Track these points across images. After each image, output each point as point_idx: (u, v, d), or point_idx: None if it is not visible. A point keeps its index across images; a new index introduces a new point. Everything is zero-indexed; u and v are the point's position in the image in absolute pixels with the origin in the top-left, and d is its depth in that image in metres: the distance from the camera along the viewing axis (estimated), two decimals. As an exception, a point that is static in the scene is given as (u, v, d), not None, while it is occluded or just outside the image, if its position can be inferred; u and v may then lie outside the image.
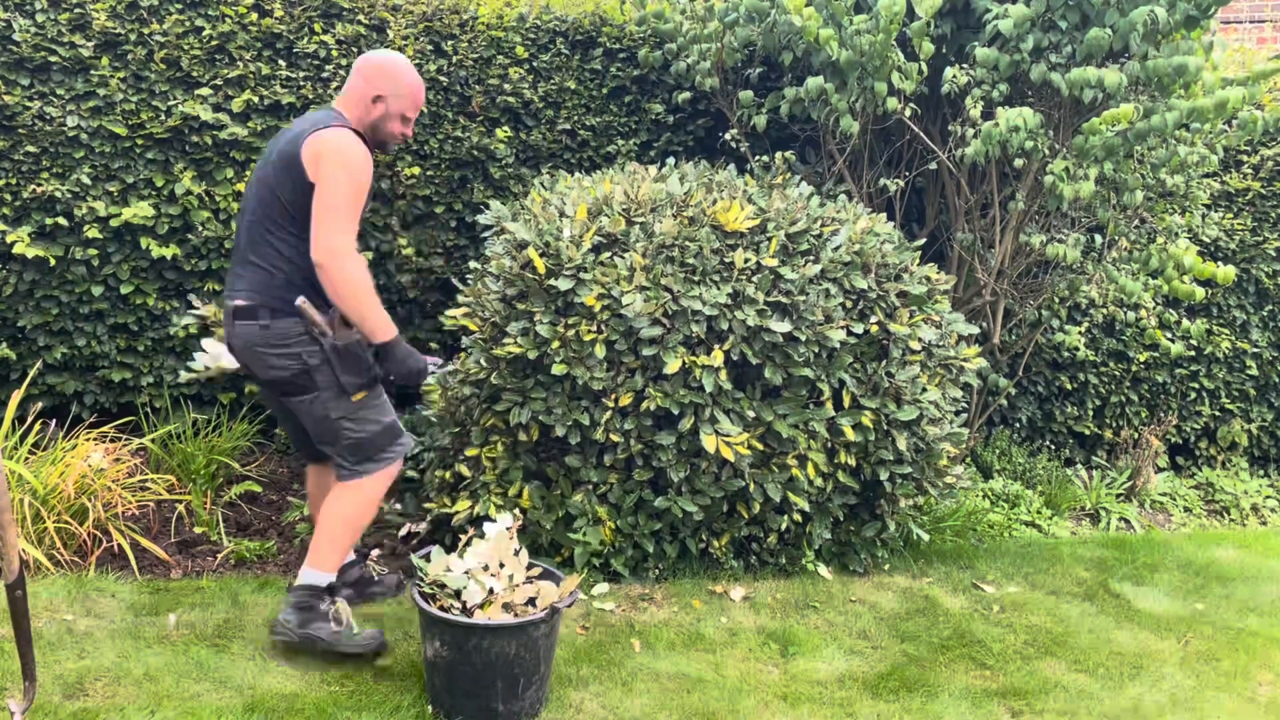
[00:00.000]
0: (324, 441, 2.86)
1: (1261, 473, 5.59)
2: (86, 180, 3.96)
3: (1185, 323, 4.91)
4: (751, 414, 3.35)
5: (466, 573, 2.64)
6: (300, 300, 2.70)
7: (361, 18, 4.22)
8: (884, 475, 3.53)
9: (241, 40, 4.08)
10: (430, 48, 4.32)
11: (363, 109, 2.83)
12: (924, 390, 3.54)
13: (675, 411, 3.26)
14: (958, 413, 3.99)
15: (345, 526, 2.85)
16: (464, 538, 2.76)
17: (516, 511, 3.35)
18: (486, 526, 2.71)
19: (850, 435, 3.43)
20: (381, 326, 2.72)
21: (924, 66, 3.84)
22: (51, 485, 3.36)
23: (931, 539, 4.00)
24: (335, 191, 2.65)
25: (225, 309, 2.81)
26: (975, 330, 3.81)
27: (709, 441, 3.24)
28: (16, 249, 3.85)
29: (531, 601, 2.65)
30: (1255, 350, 5.43)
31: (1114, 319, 5.11)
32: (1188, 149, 4.08)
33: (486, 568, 2.66)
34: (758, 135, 4.53)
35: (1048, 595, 3.72)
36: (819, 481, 3.47)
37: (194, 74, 4.06)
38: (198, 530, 3.61)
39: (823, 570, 3.70)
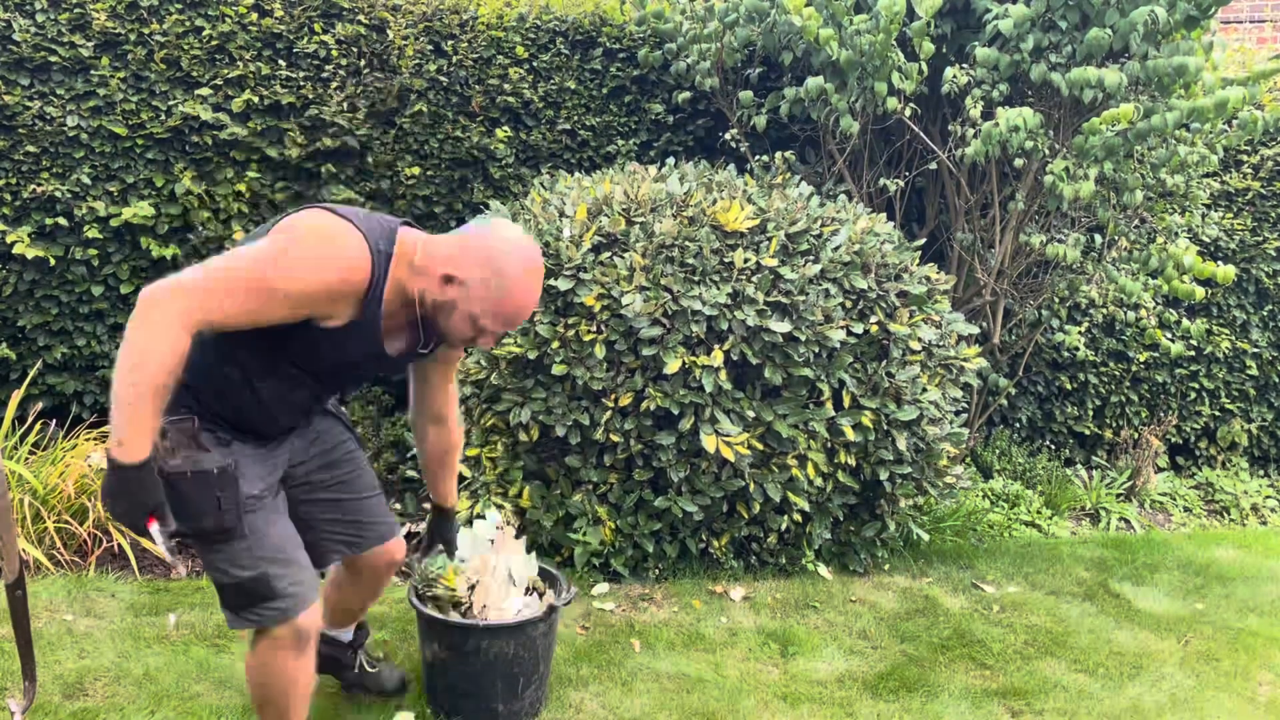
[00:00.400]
0: None
1: (1261, 473, 5.59)
2: (86, 180, 3.96)
3: (1185, 323, 4.90)
4: (751, 414, 3.35)
5: (466, 573, 2.63)
6: None
7: (362, 18, 4.22)
8: (884, 475, 3.53)
9: (241, 40, 4.08)
10: (430, 48, 4.32)
11: (431, 278, 1.98)
12: (924, 390, 3.53)
13: (675, 411, 3.26)
14: (958, 413, 3.99)
15: (255, 699, 2.24)
16: (464, 538, 2.76)
17: (508, 509, 3.35)
18: (476, 524, 2.69)
19: (850, 435, 3.43)
20: (126, 435, 1.74)
21: (924, 66, 3.84)
22: (51, 485, 3.36)
23: (931, 539, 4.00)
24: (236, 255, 1.86)
25: None
26: (975, 330, 3.81)
27: (709, 441, 3.24)
28: (16, 249, 3.85)
29: (531, 601, 2.65)
30: (1255, 350, 5.43)
31: (1114, 319, 5.11)
32: (1188, 149, 4.08)
33: (486, 568, 2.66)
34: (758, 135, 4.53)
35: (1048, 595, 3.72)
36: (819, 481, 3.47)
37: (194, 74, 4.06)
38: (198, 530, 3.61)
39: (823, 570, 3.70)
